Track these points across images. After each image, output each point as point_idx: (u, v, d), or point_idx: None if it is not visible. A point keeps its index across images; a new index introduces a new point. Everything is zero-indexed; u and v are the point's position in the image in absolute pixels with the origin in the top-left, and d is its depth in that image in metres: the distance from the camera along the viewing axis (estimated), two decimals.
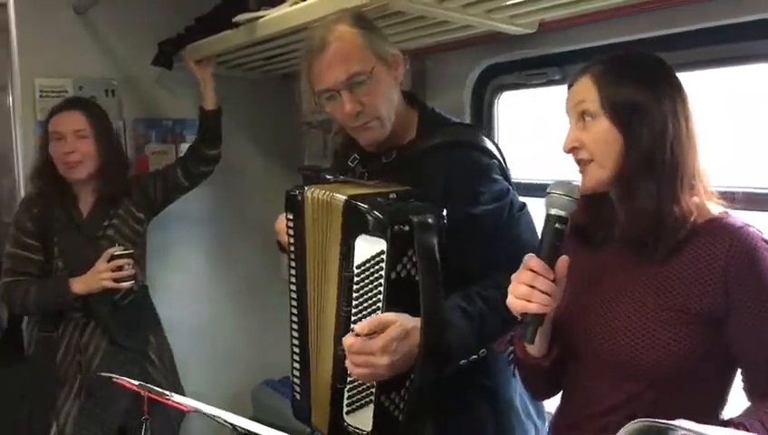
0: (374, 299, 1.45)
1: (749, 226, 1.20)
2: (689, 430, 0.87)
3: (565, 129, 1.32)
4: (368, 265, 1.44)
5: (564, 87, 2.14)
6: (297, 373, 1.74)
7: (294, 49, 2.32)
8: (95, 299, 2.34)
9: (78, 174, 2.37)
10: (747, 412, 1.19)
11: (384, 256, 1.41)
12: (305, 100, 1.68)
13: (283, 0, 2.17)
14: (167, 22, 2.85)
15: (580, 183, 1.29)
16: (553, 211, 1.23)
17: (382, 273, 1.42)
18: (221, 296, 3.34)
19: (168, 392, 1.21)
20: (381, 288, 1.43)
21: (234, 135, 3.19)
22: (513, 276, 1.25)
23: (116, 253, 2.31)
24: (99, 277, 2.28)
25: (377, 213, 1.42)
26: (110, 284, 2.29)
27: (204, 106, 2.67)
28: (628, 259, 1.28)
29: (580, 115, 1.27)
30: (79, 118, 2.37)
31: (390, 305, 1.43)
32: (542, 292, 1.20)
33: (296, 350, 1.73)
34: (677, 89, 1.25)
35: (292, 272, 1.70)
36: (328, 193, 1.55)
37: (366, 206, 1.44)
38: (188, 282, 3.23)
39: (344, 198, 1.49)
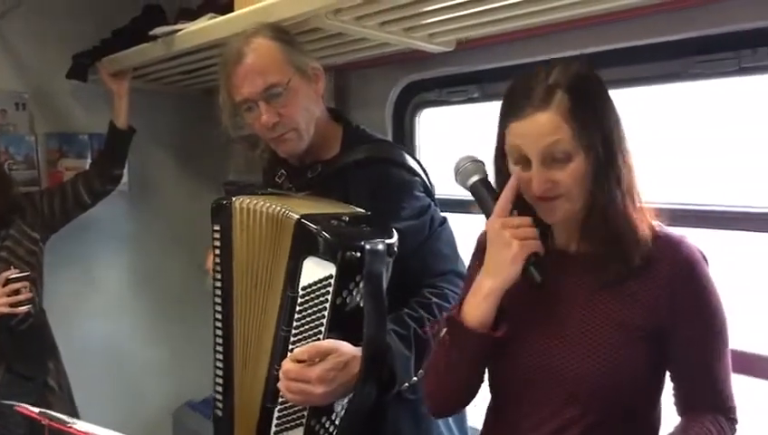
0: (316, 323, 1.44)
1: (686, 238, 1.20)
2: None
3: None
4: (314, 287, 1.42)
5: (483, 104, 2.21)
6: (220, 389, 1.69)
7: (214, 63, 2.29)
8: None
9: None
10: (680, 428, 1.20)
11: (332, 281, 1.40)
12: (225, 112, 1.69)
13: (201, 14, 2.15)
14: (82, 34, 2.78)
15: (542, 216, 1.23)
16: (476, 177, 1.27)
17: (328, 297, 1.41)
18: (140, 316, 3.25)
19: (69, 420, 1.16)
20: (325, 313, 1.42)
21: (155, 150, 3.17)
22: (503, 239, 1.18)
23: (11, 276, 2.22)
24: None
25: (329, 236, 1.41)
26: (6, 309, 2.19)
27: (115, 122, 2.59)
28: (579, 278, 1.24)
29: (552, 156, 1.15)
30: None
31: (332, 331, 1.42)
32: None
33: (219, 365, 1.69)
34: (616, 109, 1.21)
35: (218, 284, 1.66)
36: (276, 207, 1.52)
37: (318, 227, 1.43)
38: (106, 301, 3.13)
39: (297, 216, 1.47)
